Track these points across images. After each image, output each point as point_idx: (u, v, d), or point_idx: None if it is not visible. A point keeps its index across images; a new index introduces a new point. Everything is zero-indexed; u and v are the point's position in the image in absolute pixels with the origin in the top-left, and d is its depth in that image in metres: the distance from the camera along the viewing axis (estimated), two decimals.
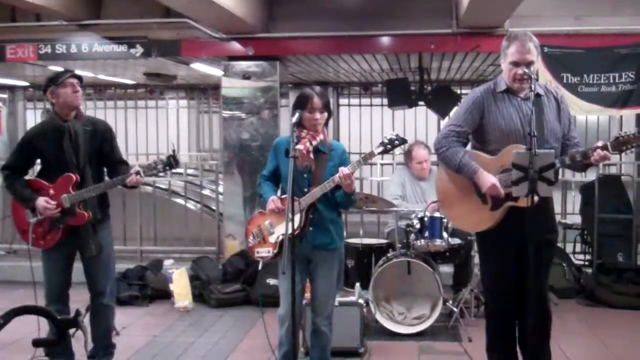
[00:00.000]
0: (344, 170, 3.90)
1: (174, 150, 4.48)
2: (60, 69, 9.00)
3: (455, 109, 9.30)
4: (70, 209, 4.40)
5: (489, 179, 3.81)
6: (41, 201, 4.40)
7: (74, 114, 4.50)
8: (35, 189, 4.49)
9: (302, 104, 4.08)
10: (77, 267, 4.69)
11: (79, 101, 4.49)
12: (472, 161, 3.89)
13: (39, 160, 4.64)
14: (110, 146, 4.64)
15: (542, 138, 3.77)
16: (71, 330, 4.02)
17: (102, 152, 4.58)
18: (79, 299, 4.67)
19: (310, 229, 4.08)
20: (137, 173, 4.35)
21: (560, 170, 4.14)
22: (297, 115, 4.00)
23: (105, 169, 4.63)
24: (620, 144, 3.65)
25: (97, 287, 4.64)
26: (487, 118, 3.92)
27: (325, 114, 4.13)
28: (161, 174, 4.63)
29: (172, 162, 4.42)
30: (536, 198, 3.50)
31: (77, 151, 4.44)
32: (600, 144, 3.65)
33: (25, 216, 4.52)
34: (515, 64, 3.80)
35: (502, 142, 3.85)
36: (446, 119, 9.52)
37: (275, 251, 4.14)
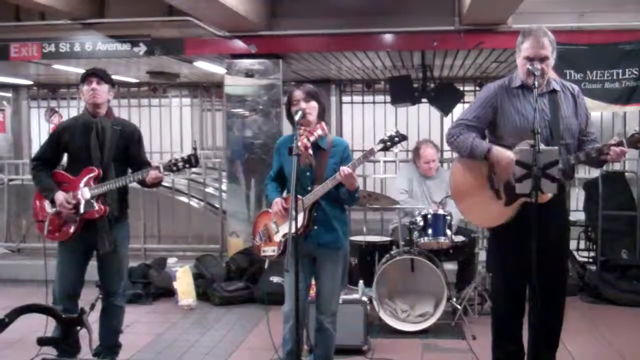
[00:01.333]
0: (344, 170, 3.90)
1: (194, 149, 4.51)
2: (63, 67, 9.05)
3: (460, 106, 9.34)
4: (88, 202, 4.43)
5: (506, 153, 3.73)
6: (60, 196, 4.44)
7: (103, 112, 4.56)
8: (58, 182, 4.54)
9: (288, 102, 4.15)
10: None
11: (95, 99, 4.52)
12: (483, 142, 3.86)
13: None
14: (137, 148, 4.67)
15: (557, 134, 3.77)
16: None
17: (128, 153, 4.61)
18: (82, 297, 4.65)
19: (315, 227, 4.09)
20: (157, 168, 4.40)
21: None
22: (300, 113, 4.00)
23: (130, 170, 4.63)
24: (636, 141, 3.63)
25: (109, 287, 4.66)
26: (500, 114, 3.90)
27: (313, 103, 4.12)
28: (181, 172, 4.64)
29: (192, 160, 4.45)
30: (550, 195, 3.49)
31: (102, 147, 4.49)
32: (615, 141, 3.64)
33: (44, 207, 4.56)
34: (529, 59, 3.76)
35: (517, 138, 3.81)
36: (449, 116, 9.54)
37: (280, 250, 4.15)
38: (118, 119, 4.73)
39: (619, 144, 3.61)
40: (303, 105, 4.08)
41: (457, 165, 4.15)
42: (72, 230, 4.49)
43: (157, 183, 4.57)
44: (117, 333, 4.81)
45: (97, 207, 4.43)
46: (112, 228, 4.55)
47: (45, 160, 4.62)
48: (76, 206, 4.41)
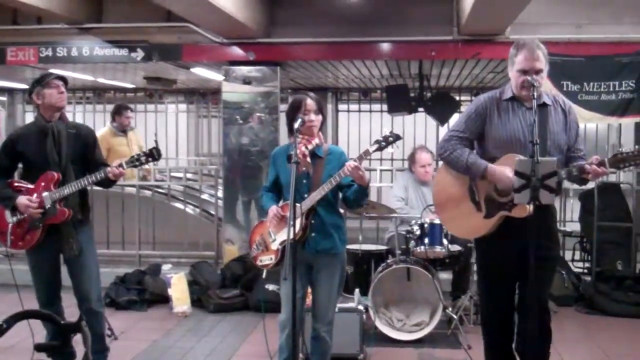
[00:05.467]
0: (349, 164, 3.88)
1: (156, 142, 4.49)
2: (59, 72, 9.03)
3: (456, 116, 9.36)
4: (50, 207, 4.39)
5: (504, 172, 3.71)
6: (23, 199, 4.39)
7: (58, 116, 4.53)
8: (16, 191, 4.49)
9: (296, 108, 4.11)
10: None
11: (64, 102, 4.51)
12: (478, 159, 3.86)
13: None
14: (93, 150, 4.65)
15: (544, 148, 3.73)
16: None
17: (85, 156, 4.59)
18: (75, 302, 4.64)
19: (312, 234, 4.08)
20: (120, 165, 4.37)
21: None
22: (299, 121, 4.00)
23: (88, 173, 4.55)
24: (617, 161, 3.60)
25: (81, 292, 4.60)
26: (488, 126, 3.90)
27: (320, 117, 4.14)
28: (144, 166, 4.62)
29: (154, 153, 4.42)
30: (530, 208, 3.49)
31: (59, 151, 4.46)
32: (596, 159, 3.64)
33: (4, 217, 4.51)
34: (524, 71, 3.76)
35: (502, 151, 3.82)
36: (445, 125, 9.57)
37: (278, 258, 4.14)
38: (72, 122, 4.72)
39: (601, 164, 3.61)
40: (313, 117, 4.09)
41: (439, 176, 4.18)
42: (36, 237, 4.45)
43: (115, 180, 4.51)
44: (103, 338, 4.76)
45: (59, 211, 4.40)
46: (76, 232, 4.52)
47: (1, 170, 4.57)
48: (41, 205, 4.37)
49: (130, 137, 8.78)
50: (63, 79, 4.52)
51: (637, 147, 3.58)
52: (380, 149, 3.95)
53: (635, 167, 3.86)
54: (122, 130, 8.63)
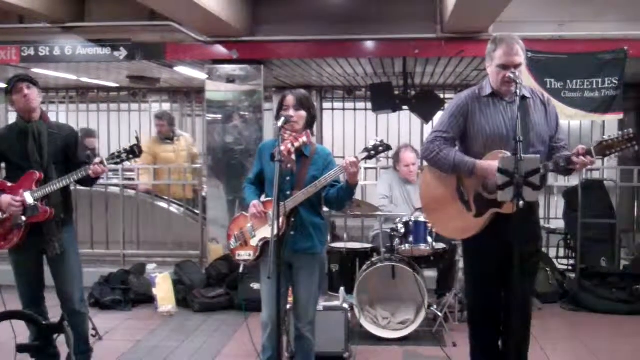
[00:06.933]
0: (350, 159, 3.88)
1: (137, 139, 4.48)
2: (42, 71, 8.96)
3: (440, 114, 9.37)
4: (32, 206, 4.37)
5: (493, 168, 3.67)
6: (6, 197, 4.37)
7: (38, 116, 4.51)
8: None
9: (279, 105, 4.13)
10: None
11: (33, 103, 4.46)
12: (465, 157, 3.84)
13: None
14: (75, 149, 4.64)
15: (527, 141, 3.74)
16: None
17: (67, 156, 4.58)
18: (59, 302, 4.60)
19: (292, 233, 4.06)
20: (101, 162, 4.36)
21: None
22: (282, 119, 3.99)
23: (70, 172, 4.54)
24: (603, 149, 3.63)
25: (64, 293, 4.57)
26: (471, 123, 3.90)
27: (302, 112, 4.10)
28: (126, 163, 4.61)
29: (135, 150, 4.42)
30: (521, 203, 3.49)
31: (41, 150, 4.45)
32: (582, 149, 3.66)
33: None
34: (504, 66, 3.76)
35: (487, 147, 3.82)
36: (430, 123, 9.58)
37: (257, 255, 4.14)
38: (54, 123, 4.72)
39: (587, 152, 3.63)
40: (292, 112, 4.06)
41: (425, 178, 4.16)
42: (19, 237, 4.42)
43: (97, 178, 4.52)
44: (86, 339, 4.74)
45: (41, 210, 4.38)
46: (59, 231, 4.50)
47: None
48: (23, 203, 4.34)
49: (178, 144, 8.79)
50: (26, 79, 4.47)
51: (620, 132, 3.60)
52: (369, 157, 3.95)
53: (621, 153, 3.86)
54: (166, 137, 8.62)
